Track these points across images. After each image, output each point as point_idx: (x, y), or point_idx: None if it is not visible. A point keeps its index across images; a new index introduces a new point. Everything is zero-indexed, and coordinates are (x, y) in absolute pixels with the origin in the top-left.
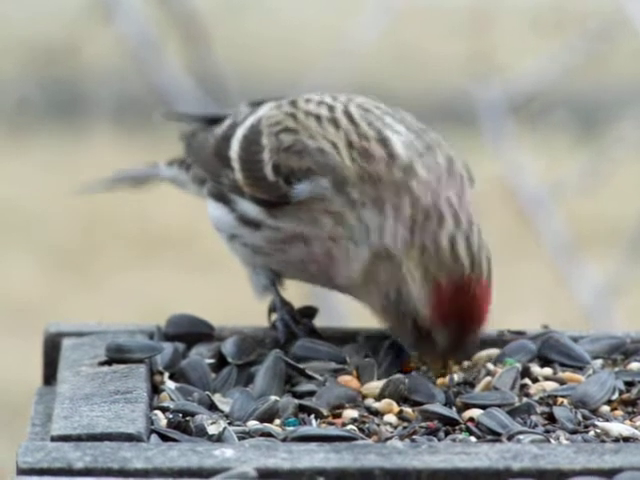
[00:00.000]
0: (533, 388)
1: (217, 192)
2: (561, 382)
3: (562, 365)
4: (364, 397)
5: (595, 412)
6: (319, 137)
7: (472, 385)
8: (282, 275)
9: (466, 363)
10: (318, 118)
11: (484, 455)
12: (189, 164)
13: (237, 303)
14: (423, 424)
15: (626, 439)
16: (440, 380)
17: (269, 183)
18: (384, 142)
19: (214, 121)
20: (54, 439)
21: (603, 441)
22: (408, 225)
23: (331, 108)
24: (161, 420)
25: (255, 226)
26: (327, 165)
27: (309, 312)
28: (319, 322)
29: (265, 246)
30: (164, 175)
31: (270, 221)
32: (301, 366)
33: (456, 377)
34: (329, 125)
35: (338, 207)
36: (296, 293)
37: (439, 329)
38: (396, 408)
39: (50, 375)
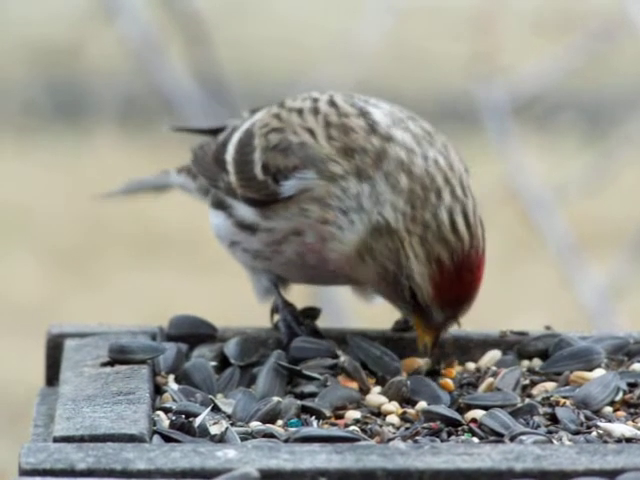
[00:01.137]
0: (535, 389)
1: (216, 200)
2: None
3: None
4: (365, 393)
5: (598, 413)
6: (300, 129)
7: (475, 386)
8: (286, 279)
9: (472, 365)
10: (300, 111)
11: (486, 456)
12: (195, 173)
13: (239, 304)
14: (426, 425)
15: (629, 440)
16: (444, 381)
17: (259, 182)
18: (364, 115)
19: (219, 130)
20: (57, 440)
21: (606, 442)
22: (407, 198)
23: (315, 100)
24: (164, 421)
25: (252, 230)
26: (309, 156)
27: (312, 313)
28: (322, 323)
29: (263, 249)
30: (175, 182)
31: (264, 223)
32: (298, 367)
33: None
34: (309, 115)
35: (323, 190)
36: (299, 294)
37: (439, 306)
38: (399, 409)
39: (52, 376)
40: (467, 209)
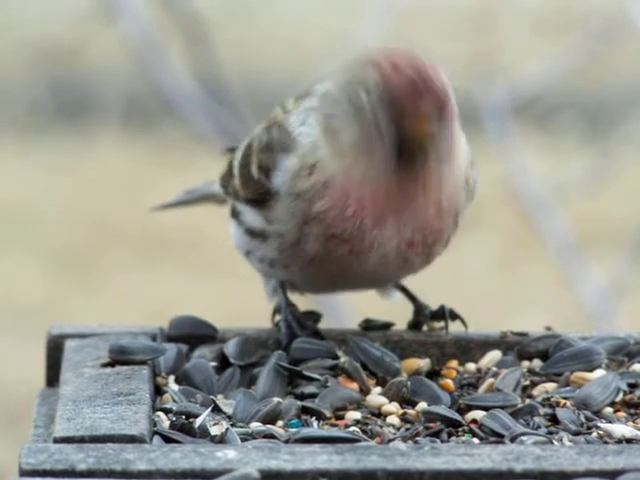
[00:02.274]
0: (536, 389)
1: (231, 209)
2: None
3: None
4: (366, 394)
5: (598, 414)
6: (280, 117)
7: (475, 387)
8: (301, 287)
9: (472, 366)
10: (281, 104)
11: (487, 457)
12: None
13: (240, 305)
14: (426, 426)
15: (629, 440)
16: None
17: (255, 182)
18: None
19: None
20: (57, 441)
21: (606, 442)
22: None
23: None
24: (164, 422)
25: (262, 237)
26: (285, 143)
27: (313, 317)
28: (323, 324)
29: (279, 257)
30: (217, 191)
31: (270, 227)
32: (298, 368)
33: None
34: (288, 101)
35: (300, 161)
36: (302, 297)
37: (400, 101)
38: (399, 410)
39: (53, 377)
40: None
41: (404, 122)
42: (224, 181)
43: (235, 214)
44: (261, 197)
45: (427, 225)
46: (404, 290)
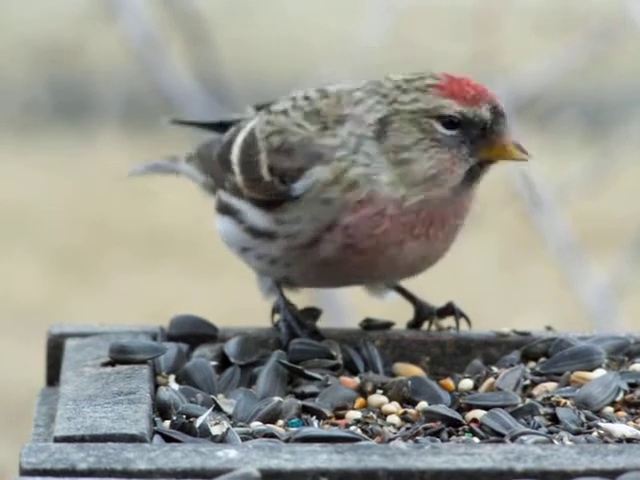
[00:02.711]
0: (536, 389)
1: (222, 205)
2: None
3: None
4: (366, 395)
5: (598, 413)
6: (291, 127)
7: (475, 386)
8: (300, 285)
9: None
10: (285, 112)
11: (487, 456)
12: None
13: (241, 305)
14: (426, 425)
15: (629, 440)
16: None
17: (265, 183)
18: (322, 91)
19: (222, 126)
20: (57, 440)
21: (606, 442)
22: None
23: (293, 99)
24: (164, 421)
25: (268, 237)
26: (311, 153)
27: (313, 314)
28: (322, 323)
29: (283, 256)
30: (182, 170)
31: (280, 228)
32: (299, 367)
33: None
34: (293, 111)
35: (332, 172)
36: (300, 294)
37: (474, 107)
38: (400, 409)
39: (53, 376)
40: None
41: (494, 149)
42: (215, 172)
43: (231, 212)
44: (272, 198)
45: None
46: (401, 290)
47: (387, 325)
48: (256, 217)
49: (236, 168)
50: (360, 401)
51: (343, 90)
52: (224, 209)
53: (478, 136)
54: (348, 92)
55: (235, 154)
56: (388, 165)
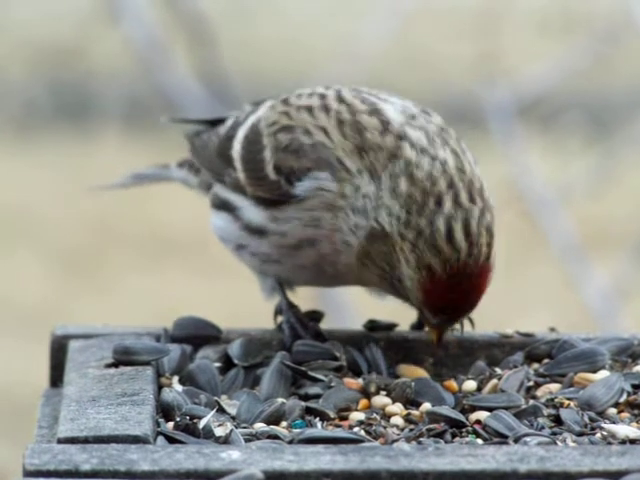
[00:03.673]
0: (540, 390)
1: (219, 201)
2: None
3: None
4: (369, 396)
5: (602, 414)
6: (312, 128)
7: (479, 388)
8: (294, 283)
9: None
10: (310, 109)
11: (491, 457)
12: (197, 168)
13: (246, 306)
14: (430, 426)
15: (632, 441)
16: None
17: (270, 182)
18: (376, 112)
19: (218, 122)
20: (61, 441)
21: (610, 443)
22: (404, 202)
23: (322, 96)
24: (168, 422)
25: (260, 234)
26: (322, 158)
27: (315, 316)
28: (325, 324)
29: (274, 253)
30: (175, 176)
31: (274, 226)
32: (303, 368)
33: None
34: (320, 112)
35: (335, 193)
36: (303, 295)
37: (430, 311)
38: (403, 410)
39: (57, 377)
40: (470, 217)
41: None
42: (213, 166)
43: (229, 208)
44: (279, 198)
45: None
46: None
47: (390, 326)
48: (254, 214)
49: (238, 165)
50: (363, 402)
51: (404, 128)
52: (221, 205)
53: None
54: (408, 136)
55: (236, 150)
56: (359, 244)
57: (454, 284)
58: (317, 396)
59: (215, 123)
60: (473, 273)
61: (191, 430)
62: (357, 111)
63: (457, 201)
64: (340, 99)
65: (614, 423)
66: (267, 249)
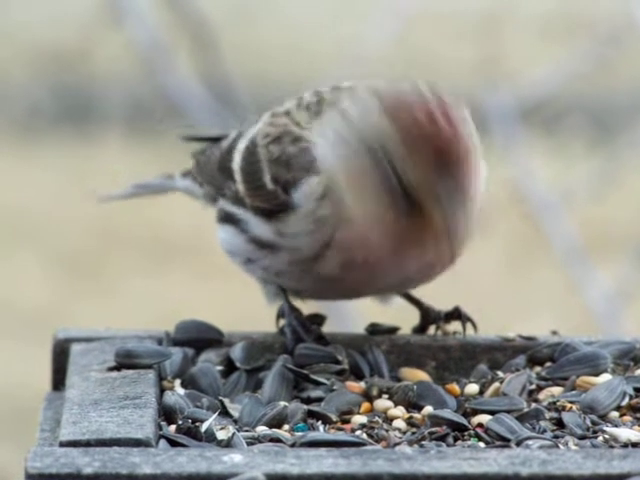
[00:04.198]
0: (542, 394)
1: (224, 214)
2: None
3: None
4: (372, 400)
5: (604, 418)
6: (290, 128)
7: (481, 391)
8: (308, 296)
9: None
10: (287, 112)
11: (493, 461)
12: (201, 181)
13: (248, 310)
14: (432, 430)
15: (635, 445)
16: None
17: (268, 191)
18: (336, 89)
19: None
20: (63, 444)
21: (612, 447)
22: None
23: (300, 98)
24: (170, 425)
25: (271, 248)
26: (311, 163)
27: (317, 320)
28: (327, 327)
29: (288, 269)
30: (179, 186)
31: (283, 241)
32: (305, 371)
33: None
34: (296, 110)
35: (325, 183)
36: (304, 299)
37: (429, 174)
38: (405, 414)
39: (59, 381)
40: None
41: (415, 172)
42: (214, 181)
43: (233, 221)
44: (275, 208)
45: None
46: (407, 295)
47: (393, 330)
48: (258, 227)
49: (238, 176)
50: (366, 406)
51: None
52: (226, 218)
53: None
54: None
55: (237, 162)
56: (343, 177)
57: (435, 131)
58: (319, 399)
59: (221, 139)
60: (450, 121)
61: (193, 433)
62: (321, 92)
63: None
64: (316, 92)
65: (616, 426)
66: (281, 265)
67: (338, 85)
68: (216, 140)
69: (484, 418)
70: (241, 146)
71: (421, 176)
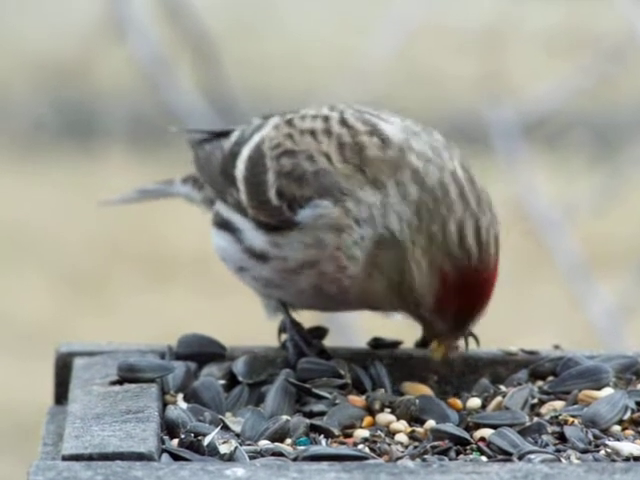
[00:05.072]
0: (544, 407)
1: (221, 219)
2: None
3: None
4: (374, 414)
5: (606, 432)
6: (315, 154)
7: (483, 405)
8: (296, 307)
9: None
10: (313, 133)
11: (495, 475)
12: (202, 184)
13: (250, 325)
14: (434, 443)
15: (636, 458)
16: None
17: (273, 207)
18: (376, 131)
19: (224, 134)
20: (65, 458)
21: (614, 460)
22: (415, 209)
23: (326, 119)
24: (172, 439)
25: (263, 259)
26: (323, 186)
27: (319, 333)
28: (329, 341)
29: (276, 278)
30: (179, 192)
31: (275, 251)
32: (308, 385)
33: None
34: (323, 137)
35: (338, 216)
36: (307, 313)
37: (440, 317)
38: (407, 428)
39: (61, 395)
40: (480, 224)
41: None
42: (216, 184)
43: (231, 229)
44: (280, 224)
45: None
46: None
47: (395, 344)
48: (255, 238)
49: (241, 186)
50: (368, 420)
51: (407, 142)
52: (223, 224)
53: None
54: (411, 148)
55: (240, 170)
56: (366, 256)
57: (465, 288)
58: (321, 413)
59: (221, 135)
60: (483, 278)
61: (196, 447)
62: (357, 133)
63: (468, 209)
64: (343, 122)
65: (618, 440)
66: (268, 274)
67: (371, 119)
68: (214, 134)
69: (486, 432)
70: (245, 154)
71: (438, 321)
